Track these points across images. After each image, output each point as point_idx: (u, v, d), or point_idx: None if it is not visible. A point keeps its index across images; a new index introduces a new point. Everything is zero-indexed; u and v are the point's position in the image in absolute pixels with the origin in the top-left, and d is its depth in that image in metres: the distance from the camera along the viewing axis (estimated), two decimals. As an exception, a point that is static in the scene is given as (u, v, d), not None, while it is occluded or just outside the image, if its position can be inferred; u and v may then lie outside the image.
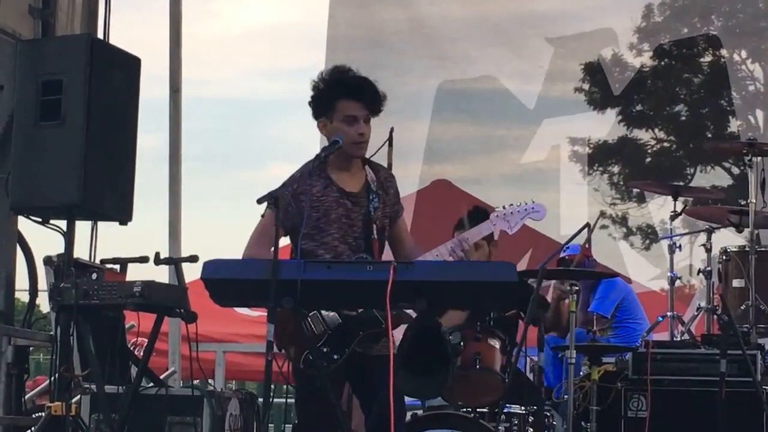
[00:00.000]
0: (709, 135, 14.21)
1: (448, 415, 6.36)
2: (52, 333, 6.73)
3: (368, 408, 5.27)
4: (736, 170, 13.85)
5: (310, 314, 5.24)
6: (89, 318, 6.25)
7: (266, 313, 4.80)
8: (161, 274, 7.71)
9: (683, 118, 14.50)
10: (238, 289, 4.95)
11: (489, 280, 4.80)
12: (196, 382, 7.27)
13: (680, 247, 7.79)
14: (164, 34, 9.69)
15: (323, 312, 5.25)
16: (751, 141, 7.49)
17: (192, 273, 6.99)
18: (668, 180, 11.81)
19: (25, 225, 7.17)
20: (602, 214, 13.99)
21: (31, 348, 7.62)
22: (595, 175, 13.80)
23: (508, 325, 6.75)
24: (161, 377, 7.83)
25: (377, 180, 5.48)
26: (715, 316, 7.36)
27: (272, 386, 4.82)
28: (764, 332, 7.18)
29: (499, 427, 6.46)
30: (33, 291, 7.37)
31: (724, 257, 7.43)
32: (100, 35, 7.53)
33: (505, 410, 6.52)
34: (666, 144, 15.00)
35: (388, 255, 5.55)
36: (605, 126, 13.65)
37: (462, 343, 6.32)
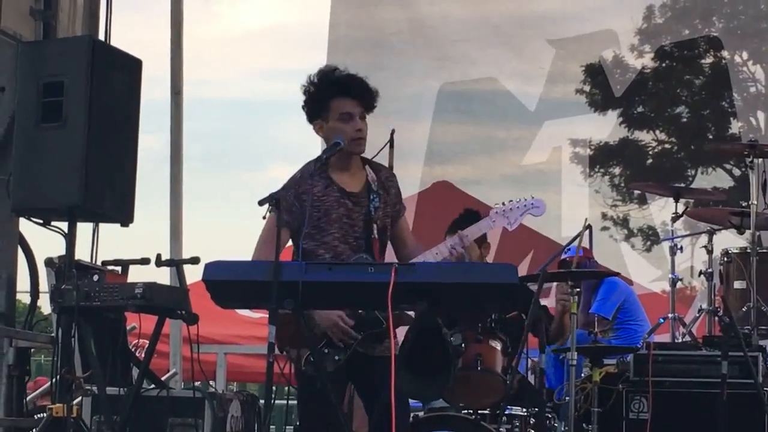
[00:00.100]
0: (711, 136, 14.19)
1: (449, 417, 6.36)
2: (53, 335, 6.74)
3: (372, 409, 5.27)
4: (737, 172, 13.82)
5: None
6: (90, 320, 6.25)
7: (267, 315, 4.81)
8: (162, 276, 7.71)
9: (684, 119, 14.48)
10: (239, 290, 4.95)
11: (490, 281, 4.80)
12: (197, 383, 7.27)
13: (681, 248, 7.78)
14: (165, 36, 9.71)
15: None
16: (752, 142, 7.49)
17: (193, 274, 7.00)
18: (669, 181, 11.79)
19: (27, 226, 7.17)
20: (603, 216, 13.97)
21: (32, 350, 7.62)
22: (596, 177, 13.78)
23: (509, 326, 6.74)
24: (162, 379, 7.83)
25: (378, 180, 5.48)
26: (717, 318, 7.36)
27: (273, 388, 4.82)
28: (766, 334, 7.18)
29: (501, 429, 6.46)
30: (34, 292, 7.37)
31: (725, 259, 7.43)
32: (101, 37, 7.55)
33: (506, 412, 6.52)
34: (667, 145, 14.99)
35: (390, 255, 5.56)
36: (606, 127, 13.63)
37: (463, 345, 6.32)
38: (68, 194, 6.53)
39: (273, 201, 4.94)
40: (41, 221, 6.78)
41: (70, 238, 6.66)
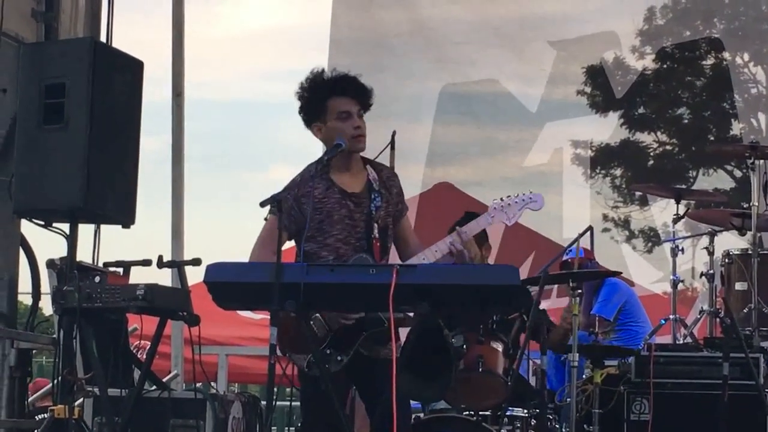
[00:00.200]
0: (712, 138, 14.19)
1: (450, 418, 6.36)
2: (54, 336, 6.74)
3: (373, 411, 5.28)
4: (738, 173, 13.83)
5: (312, 317, 5.25)
6: (92, 321, 6.25)
7: (269, 316, 4.81)
8: (164, 277, 7.72)
9: (685, 121, 14.49)
10: (240, 292, 4.96)
11: (492, 283, 4.81)
12: (198, 385, 7.28)
13: (683, 250, 7.78)
14: (167, 37, 9.71)
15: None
16: (753, 144, 7.49)
17: (195, 276, 7.01)
18: (670, 183, 11.81)
19: (28, 228, 7.17)
20: (605, 217, 13.98)
21: (33, 351, 7.62)
22: (597, 178, 13.77)
23: (510, 328, 6.75)
24: (164, 380, 7.83)
25: (379, 179, 5.48)
26: (718, 319, 7.36)
27: (275, 389, 4.82)
28: (767, 335, 7.18)
29: (502, 431, 6.46)
30: (36, 294, 7.37)
31: (726, 260, 7.43)
32: (102, 38, 7.55)
33: (507, 413, 6.52)
34: (668, 147, 14.99)
35: (393, 255, 5.56)
36: (607, 129, 13.63)
37: (464, 346, 6.32)
38: (70, 196, 6.53)
39: (274, 203, 4.95)
40: (43, 223, 6.78)
41: (72, 239, 6.66)
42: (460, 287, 4.79)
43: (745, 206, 7.49)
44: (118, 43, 7.31)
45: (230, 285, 4.88)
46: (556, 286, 9.45)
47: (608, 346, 7.56)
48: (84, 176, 6.50)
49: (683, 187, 9.13)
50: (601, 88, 13.55)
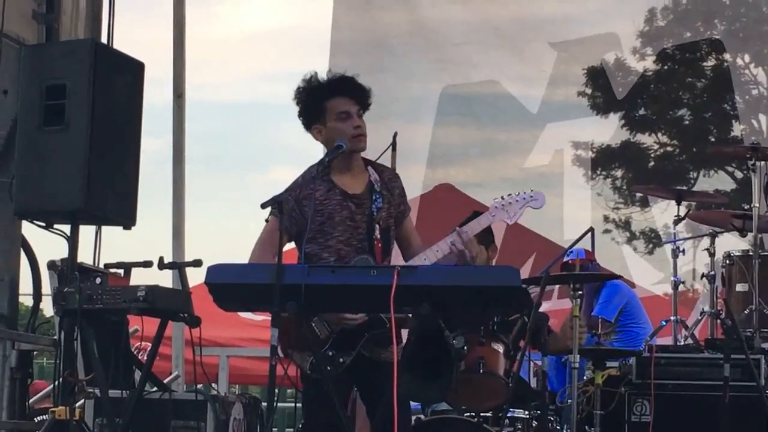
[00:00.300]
0: (713, 139, 14.19)
1: (451, 420, 6.36)
2: (55, 337, 6.74)
3: (374, 414, 5.27)
4: (739, 174, 13.83)
5: (314, 318, 5.25)
6: (93, 322, 6.25)
7: (270, 318, 4.81)
8: (165, 279, 7.73)
9: (686, 122, 14.48)
10: (241, 293, 4.96)
11: (493, 284, 4.81)
12: (199, 386, 7.28)
13: (684, 251, 7.78)
14: (167, 38, 9.72)
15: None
16: (754, 145, 7.49)
17: (196, 277, 7.01)
18: (671, 184, 11.81)
19: (29, 229, 7.18)
20: (605, 219, 13.98)
21: (34, 352, 7.62)
22: (598, 180, 13.76)
23: (511, 329, 6.74)
24: (165, 381, 7.83)
25: (381, 180, 5.48)
26: (719, 321, 7.36)
27: (276, 390, 4.82)
28: (768, 336, 7.18)
29: (503, 432, 6.46)
30: (37, 295, 7.38)
31: (727, 261, 7.43)
32: (103, 39, 7.55)
33: (508, 414, 6.52)
34: (669, 148, 14.98)
35: (396, 256, 5.55)
36: (608, 130, 13.62)
37: (465, 348, 6.32)
38: (71, 197, 6.53)
39: (276, 204, 4.95)
40: (44, 224, 6.78)
41: (73, 241, 6.66)
42: (461, 288, 4.79)
43: (746, 207, 7.48)
44: (118, 45, 7.31)
45: (231, 286, 4.88)
46: (557, 287, 9.47)
47: (609, 348, 7.56)
48: (85, 177, 6.50)
49: (684, 188, 9.11)
50: (601, 90, 13.55)
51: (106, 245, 7.12)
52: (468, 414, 6.50)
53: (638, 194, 13.76)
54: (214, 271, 4.86)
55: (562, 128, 12.29)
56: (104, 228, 7.06)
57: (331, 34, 11.84)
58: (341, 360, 5.23)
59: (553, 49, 11.94)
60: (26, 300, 7.83)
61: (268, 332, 4.82)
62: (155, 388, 6.82)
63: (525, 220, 5.67)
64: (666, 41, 13.89)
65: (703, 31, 13.80)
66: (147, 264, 7.26)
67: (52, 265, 7.21)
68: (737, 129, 13.13)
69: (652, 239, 13.87)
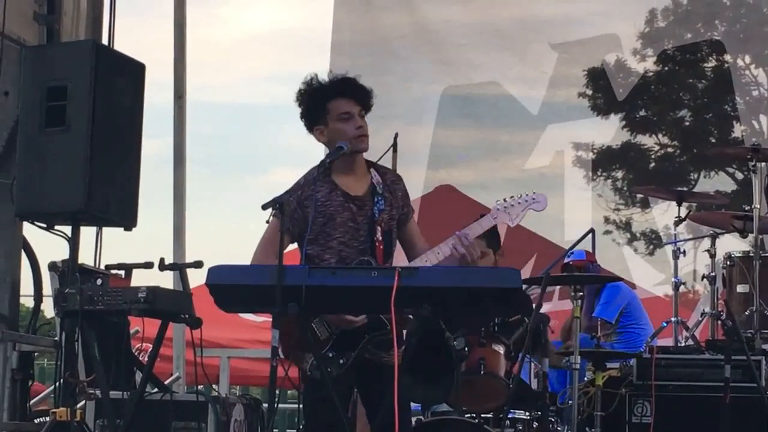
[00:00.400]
0: (713, 140, 14.18)
1: (452, 421, 6.36)
2: (56, 338, 6.74)
3: (374, 417, 5.27)
4: (740, 175, 13.83)
5: (314, 320, 5.25)
6: (94, 323, 6.25)
7: (271, 319, 4.81)
8: (166, 280, 7.73)
9: (687, 123, 14.47)
10: (242, 294, 4.96)
11: (493, 285, 4.81)
12: (200, 387, 7.28)
13: (684, 252, 7.78)
14: (168, 40, 9.72)
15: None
16: (755, 146, 7.49)
17: (197, 278, 7.01)
18: (672, 185, 11.79)
19: (30, 231, 7.18)
20: (606, 220, 13.97)
21: (35, 354, 7.62)
22: (599, 181, 13.75)
23: (512, 330, 6.75)
24: (166, 383, 7.83)
25: (383, 183, 5.48)
26: (720, 322, 7.36)
27: (277, 392, 4.82)
28: (768, 337, 7.18)
29: (503, 433, 6.46)
30: (38, 297, 7.38)
31: (728, 263, 7.43)
32: (104, 41, 7.55)
33: (509, 416, 6.52)
34: (670, 149, 14.97)
35: (399, 258, 5.55)
36: (609, 131, 13.63)
37: (466, 349, 6.32)
38: (71, 198, 6.54)
39: (276, 205, 4.95)
40: (45, 225, 6.79)
41: (74, 242, 6.67)
42: (462, 290, 4.79)
43: (746, 209, 7.48)
44: (119, 46, 7.32)
45: (232, 288, 4.88)
46: (557, 288, 9.46)
47: (610, 350, 7.56)
48: (85, 179, 6.51)
49: (685, 189, 9.10)
50: (602, 91, 13.55)
51: (107, 246, 7.13)
52: (469, 415, 6.50)
53: (639, 195, 13.75)
54: (214, 272, 4.86)
55: (563, 129, 12.29)
56: (105, 229, 7.07)
57: (331, 35, 11.85)
58: (341, 361, 5.23)
59: (554, 50, 11.95)
60: (27, 301, 7.84)
61: (269, 333, 4.83)
62: (156, 389, 6.83)
63: (526, 221, 5.66)
64: (666, 42, 13.89)
65: (703, 32, 13.79)
66: (148, 265, 7.26)
67: (53, 266, 7.22)
68: (738, 130, 13.13)
69: (653, 240, 13.87)
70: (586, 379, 6.99)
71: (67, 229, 6.71)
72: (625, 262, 12.62)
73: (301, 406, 5.31)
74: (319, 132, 5.46)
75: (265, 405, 5.97)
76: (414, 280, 4.73)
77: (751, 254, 7.28)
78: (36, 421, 7.32)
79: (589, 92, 13.73)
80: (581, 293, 6.75)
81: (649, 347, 7.11)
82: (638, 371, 6.92)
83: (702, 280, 7.85)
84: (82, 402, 6.43)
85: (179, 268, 7.28)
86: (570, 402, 6.67)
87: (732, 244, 8.10)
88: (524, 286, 6.69)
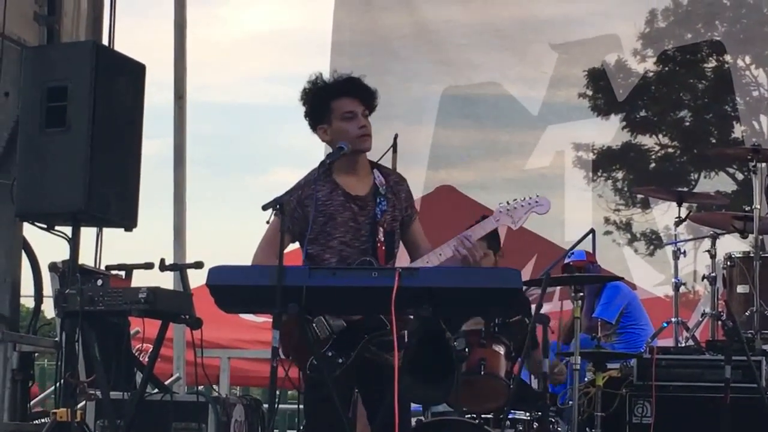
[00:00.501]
0: (713, 141, 14.18)
1: (452, 421, 6.36)
2: (57, 339, 6.75)
3: (374, 418, 5.27)
4: (740, 176, 13.83)
5: (315, 319, 5.25)
6: (94, 324, 6.25)
7: (271, 320, 4.81)
8: (166, 280, 7.73)
9: (687, 123, 14.47)
10: (243, 295, 4.96)
11: (494, 286, 4.81)
12: (200, 388, 7.28)
13: (685, 253, 7.78)
14: (169, 40, 9.71)
15: (328, 317, 5.26)
16: (755, 147, 7.49)
17: (197, 279, 7.01)
18: (672, 186, 11.80)
19: (31, 231, 7.18)
20: (606, 220, 13.97)
21: (36, 354, 7.63)
22: (599, 181, 13.75)
23: (512, 330, 6.75)
24: (166, 383, 7.83)
25: (386, 184, 5.47)
26: (720, 322, 7.36)
27: (277, 392, 4.82)
28: (769, 338, 7.18)
29: (504, 433, 6.46)
30: (38, 297, 7.38)
31: (728, 263, 7.43)
32: (105, 41, 7.56)
33: (509, 416, 6.52)
34: (670, 150, 14.96)
35: (402, 259, 5.55)
36: (609, 132, 13.63)
37: (467, 349, 6.32)
38: (72, 199, 6.54)
39: (276, 205, 4.95)
40: (45, 226, 6.79)
41: (74, 242, 6.67)
42: (462, 290, 4.79)
43: (746, 209, 7.48)
44: (120, 47, 7.33)
45: (232, 288, 4.88)
46: (558, 289, 9.46)
47: (610, 350, 7.56)
48: (86, 179, 6.51)
49: (685, 189, 9.11)
50: (602, 91, 13.55)
51: (107, 247, 7.13)
52: (469, 415, 6.50)
53: (639, 196, 13.75)
54: (215, 272, 4.86)
55: (563, 130, 12.29)
56: (105, 230, 7.07)
57: (332, 35, 11.86)
58: (340, 361, 5.23)
59: (554, 50, 11.95)
60: (27, 302, 7.85)
61: (269, 334, 4.83)
62: (156, 390, 6.83)
63: (526, 221, 5.66)
64: (667, 43, 13.88)
65: (703, 32, 13.79)
66: (148, 266, 7.26)
67: (53, 266, 7.22)
68: (738, 130, 13.13)
69: (653, 241, 13.87)
70: (586, 379, 6.98)
71: (68, 230, 6.71)
72: (626, 262, 12.61)
73: (301, 406, 5.31)
74: (322, 131, 5.46)
75: (266, 405, 5.98)
76: (414, 280, 4.73)
77: (752, 255, 7.28)
78: (36, 421, 7.32)
79: (590, 93, 13.73)
80: (581, 294, 6.75)
81: (650, 348, 7.11)
82: (638, 372, 6.92)
83: (702, 280, 7.85)
84: (83, 402, 6.43)
85: (179, 268, 7.28)
86: (570, 402, 6.66)
87: (732, 244, 8.10)
88: (524, 288, 6.69)
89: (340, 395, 5.01)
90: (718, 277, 7.47)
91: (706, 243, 7.70)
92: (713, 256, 7.55)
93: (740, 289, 7.34)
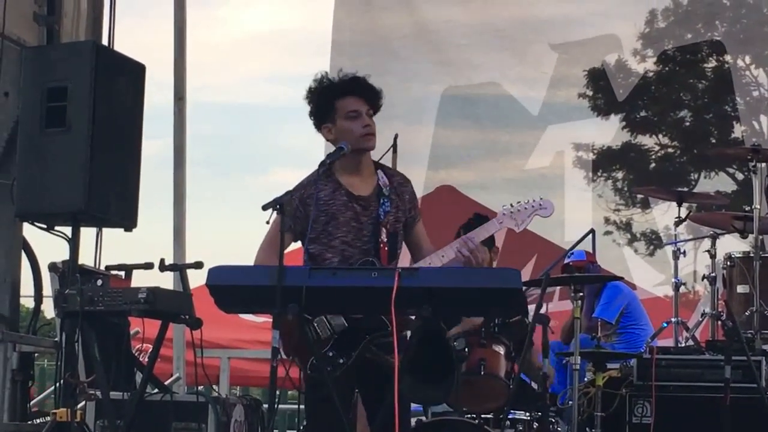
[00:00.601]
0: (713, 141, 14.17)
1: (452, 421, 6.36)
2: (56, 339, 6.75)
3: (374, 419, 5.27)
4: (740, 176, 13.82)
5: (316, 319, 5.25)
6: (94, 324, 6.25)
7: (271, 320, 4.81)
8: (166, 281, 7.73)
9: (687, 123, 14.46)
10: (242, 295, 4.96)
11: (494, 286, 4.81)
12: (200, 388, 7.28)
13: (684, 253, 7.78)
14: (169, 40, 9.72)
15: (329, 316, 5.27)
16: (755, 147, 7.48)
17: (197, 279, 7.01)
18: (672, 186, 11.79)
19: (30, 231, 7.19)
20: (606, 220, 13.97)
21: (35, 354, 7.63)
22: (599, 181, 13.73)
23: (512, 330, 6.75)
24: (166, 383, 7.83)
25: (390, 185, 5.47)
26: (720, 322, 7.36)
27: (277, 392, 4.82)
28: (769, 338, 7.18)
29: (504, 433, 6.46)
30: (38, 297, 7.39)
31: (728, 263, 7.43)
32: (104, 42, 7.56)
33: (509, 416, 6.52)
34: (670, 150, 14.95)
35: (404, 260, 5.55)
36: (609, 132, 13.61)
37: (467, 349, 6.32)
38: (72, 199, 6.54)
39: (276, 206, 4.95)
40: (45, 226, 6.80)
41: (74, 242, 6.67)
42: (462, 290, 4.79)
43: (746, 209, 7.48)
44: (120, 47, 7.33)
45: (232, 288, 4.88)
46: (558, 289, 9.46)
47: (610, 350, 7.56)
48: (86, 179, 6.52)
49: (685, 189, 9.10)
50: (602, 91, 13.53)
51: (107, 247, 7.14)
52: (469, 415, 6.50)
53: (639, 196, 13.74)
54: (215, 273, 4.87)
55: (563, 130, 12.29)
56: (105, 230, 7.08)
57: (332, 35, 11.85)
58: (341, 361, 5.23)
59: (554, 50, 11.95)
60: (27, 302, 7.85)
61: (269, 334, 4.83)
62: (156, 390, 6.83)
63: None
64: (667, 43, 13.87)
65: (703, 32, 13.78)
66: (148, 266, 7.26)
67: (53, 266, 7.22)
68: (738, 130, 13.12)
69: (653, 241, 13.86)
70: (586, 379, 6.98)
71: (68, 230, 6.71)
72: (626, 262, 12.60)
73: (301, 406, 5.31)
74: (326, 130, 5.47)
75: (266, 405, 5.98)
76: (414, 280, 4.73)
77: (752, 255, 7.28)
78: (35, 421, 7.32)
79: (590, 93, 13.71)
80: (581, 294, 6.74)
81: (650, 348, 7.11)
82: (638, 372, 6.91)
83: (702, 280, 7.85)
84: (83, 402, 6.43)
85: (179, 268, 7.28)
86: (570, 402, 6.66)
87: (732, 244, 8.09)
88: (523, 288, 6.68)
89: (340, 395, 5.02)
90: (718, 277, 7.47)
91: (706, 243, 7.69)
92: (713, 256, 7.55)
93: (740, 289, 7.34)
